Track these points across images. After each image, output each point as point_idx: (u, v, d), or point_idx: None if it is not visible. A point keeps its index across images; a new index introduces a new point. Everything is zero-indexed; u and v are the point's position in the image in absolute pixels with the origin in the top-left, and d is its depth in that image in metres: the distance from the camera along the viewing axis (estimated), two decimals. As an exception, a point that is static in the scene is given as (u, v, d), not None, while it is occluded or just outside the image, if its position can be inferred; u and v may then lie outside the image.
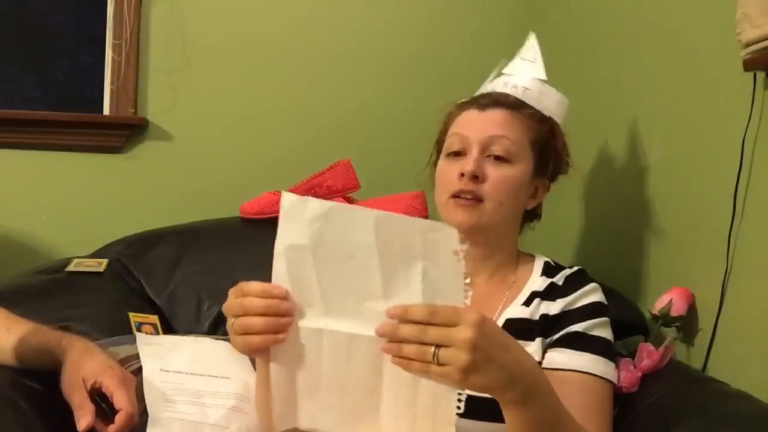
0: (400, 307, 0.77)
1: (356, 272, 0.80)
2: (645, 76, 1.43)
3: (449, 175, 1.12)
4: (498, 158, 1.11)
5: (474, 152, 1.11)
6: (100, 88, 1.97)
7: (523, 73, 1.22)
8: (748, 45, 1.02)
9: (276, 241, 0.82)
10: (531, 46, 1.27)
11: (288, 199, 0.81)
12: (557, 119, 1.21)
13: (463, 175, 1.09)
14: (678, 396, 1.07)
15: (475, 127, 1.13)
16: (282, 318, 0.83)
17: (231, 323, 0.85)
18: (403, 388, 0.81)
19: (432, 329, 0.75)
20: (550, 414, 0.85)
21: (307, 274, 0.81)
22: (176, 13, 1.95)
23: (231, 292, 0.87)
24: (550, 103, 1.20)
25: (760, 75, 1.06)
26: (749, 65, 1.04)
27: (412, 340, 0.76)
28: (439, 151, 1.21)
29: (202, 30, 1.97)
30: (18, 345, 1.14)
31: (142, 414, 1.13)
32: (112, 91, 1.95)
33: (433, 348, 0.75)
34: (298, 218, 0.80)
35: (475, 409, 0.95)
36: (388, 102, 2.01)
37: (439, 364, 0.75)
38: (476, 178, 1.09)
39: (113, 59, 1.94)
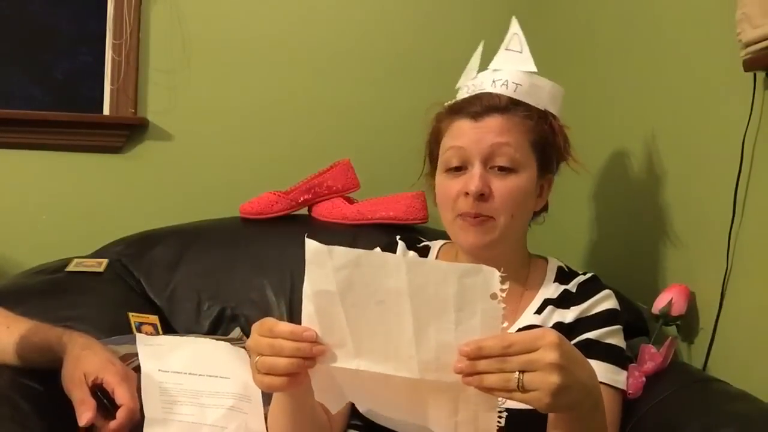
0: (473, 345, 0.74)
1: (387, 318, 0.78)
2: (645, 76, 1.43)
3: (452, 192, 1.07)
4: (502, 169, 1.06)
5: (476, 167, 1.05)
6: (100, 88, 1.97)
7: (511, 67, 1.13)
8: (748, 45, 1.02)
9: (304, 284, 0.81)
10: (514, 34, 1.17)
11: (311, 247, 0.79)
12: (553, 110, 1.13)
13: (467, 194, 1.05)
14: (680, 397, 1.07)
15: (473, 138, 1.06)
16: (308, 360, 0.82)
17: (255, 361, 0.83)
18: (444, 408, 0.81)
19: (513, 357, 0.73)
20: (604, 423, 0.86)
21: (337, 317, 0.80)
22: (176, 13, 1.95)
23: (255, 329, 0.85)
24: (544, 95, 1.12)
25: (760, 75, 1.06)
26: (749, 65, 1.04)
27: (492, 371, 0.73)
28: (433, 160, 1.15)
29: (202, 30, 1.97)
30: (19, 342, 1.14)
31: (142, 411, 1.13)
32: (112, 91, 1.95)
33: (516, 375, 0.72)
34: (323, 265, 0.78)
35: (514, 423, 0.94)
36: (388, 102, 2.00)
37: (524, 390, 0.72)
38: (482, 196, 1.04)
39: (113, 59, 1.94)
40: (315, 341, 0.81)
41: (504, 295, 0.73)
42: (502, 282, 0.72)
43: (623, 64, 1.53)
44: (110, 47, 1.95)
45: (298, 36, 2.00)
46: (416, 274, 0.75)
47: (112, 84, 1.95)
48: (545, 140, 1.11)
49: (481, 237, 1.06)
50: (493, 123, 1.07)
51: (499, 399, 0.77)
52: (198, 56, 1.96)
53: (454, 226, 1.08)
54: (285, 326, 0.82)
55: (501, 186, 1.05)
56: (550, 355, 0.72)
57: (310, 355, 0.81)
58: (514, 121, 1.07)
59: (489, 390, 0.74)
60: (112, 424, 1.06)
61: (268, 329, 0.83)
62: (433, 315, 0.76)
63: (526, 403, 0.74)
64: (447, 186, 1.09)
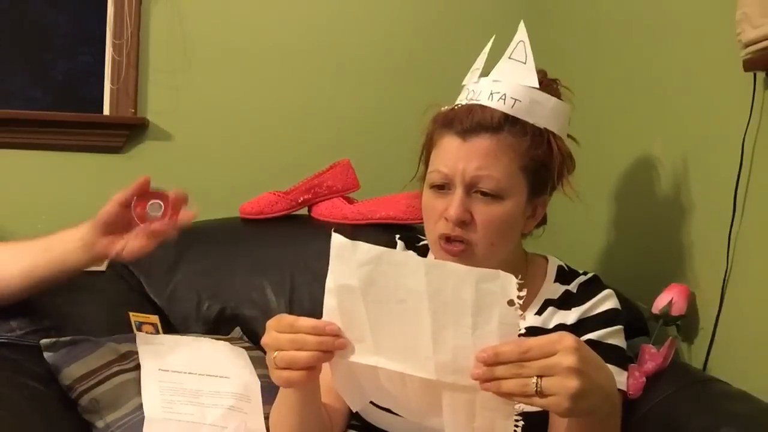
0: (490, 351, 0.74)
1: (406, 317, 0.79)
2: (645, 76, 1.43)
3: (435, 211, 1.05)
4: (485, 194, 1.01)
5: (458, 192, 1.02)
6: (100, 88, 1.97)
7: (512, 79, 1.05)
8: (748, 45, 1.02)
9: (327, 278, 0.82)
10: (520, 41, 1.08)
11: (337, 241, 0.80)
12: (555, 129, 1.06)
13: (447, 219, 1.02)
14: (680, 397, 1.07)
15: (458, 164, 1.01)
16: (327, 354, 0.82)
17: (273, 356, 0.83)
18: (461, 412, 0.81)
19: (531, 362, 0.72)
20: (618, 427, 0.86)
21: (358, 313, 0.81)
22: (176, 13, 1.95)
23: (272, 326, 0.85)
24: (545, 112, 1.05)
25: (760, 75, 1.06)
26: (749, 65, 1.04)
27: (510, 377, 0.73)
28: (427, 163, 1.12)
29: (202, 30, 1.97)
30: (28, 245, 1.22)
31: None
32: (112, 91, 1.95)
33: (534, 380, 0.72)
34: (348, 260, 0.80)
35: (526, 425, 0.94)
36: (388, 102, 2.00)
37: (543, 395, 0.72)
38: (463, 222, 1.01)
39: (113, 59, 1.94)
40: (337, 335, 0.82)
41: (521, 302, 0.73)
42: (520, 289, 0.72)
43: (623, 65, 1.53)
44: (110, 47, 1.95)
45: (298, 36, 2.00)
46: (434, 276, 0.76)
47: (112, 84, 1.94)
48: (539, 163, 1.05)
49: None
50: (481, 145, 1.02)
51: (516, 404, 0.77)
52: (198, 56, 1.96)
53: (435, 246, 1.07)
54: (306, 321, 0.83)
55: (483, 212, 1.02)
56: (568, 360, 0.71)
57: (332, 349, 0.82)
58: (504, 143, 1.02)
59: (507, 395, 0.74)
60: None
61: (288, 325, 0.83)
62: (451, 318, 0.76)
63: (545, 408, 0.74)
64: (431, 204, 1.06)
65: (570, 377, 0.71)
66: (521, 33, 1.09)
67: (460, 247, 1.03)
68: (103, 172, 1.96)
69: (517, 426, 0.77)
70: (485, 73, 1.10)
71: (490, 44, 1.15)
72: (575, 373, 0.71)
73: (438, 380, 0.79)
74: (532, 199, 1.07)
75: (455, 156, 1.03)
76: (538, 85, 1.06)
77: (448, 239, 1.03)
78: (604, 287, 1.10)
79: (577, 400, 0.72)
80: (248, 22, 1.99)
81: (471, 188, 1.02)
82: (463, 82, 1.15)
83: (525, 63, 1.07)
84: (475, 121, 1.03)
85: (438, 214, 1.04)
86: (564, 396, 0.71)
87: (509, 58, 1.08)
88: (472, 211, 1.02)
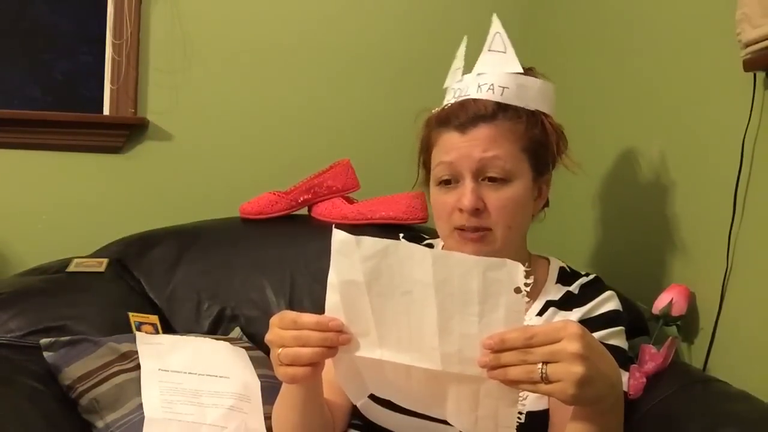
0: (496, 338, 0.74)
1: (412, 308, 0.79)
2: (645, 76, 1.43)
3: (446, 206, 1.06)
4: (494, 180, 1.03)
5: (467, 182, 1.03)
6: (100, 88, 1.97)
7: (496, 69, 1.08)
8: (748, 45, 1.03)
9: (329, 274, 0.82)
10: (497, 33, 1.12)
11: (339, 237, 0.81)
12: (545, 109, 1.09)
13: (461, 210, 1.03)
14: (680, 397, 1.07)
15: (461, 152, 1.04)
16: (331, 349, 0.83)
17: (278, 353, 0.84)
18: (465, 401, 0.82)
19: (536, 348, 0.73)
20: (622, 420, 0.86)
21: (362, 307, 0.81)
22: (176, 13, 1.95)
23: (275, 322, 0.86)
24: (533, 94, 1.08)
25: (760, 75, 1.06)
26: (749, 65, 1.04)
27: (516, 363, 0.74)
28: (427, 169, 1.13)
29: (202, 30, 1.97)
30: None
31: None
32: (112, 91, 1.95)
33: (539, 366, 0.73)
34: (351, 255, 0.80)
35: (531, 424, 0.93)
36: (388, 102, 2.00)
37: (548, 381, 0.73)
38: (477, 210, 1.02)
39: (113, 59, 1.94)
40: (341, 330, 0.82)
41: (528, 289, 0.74)
42: (526, 276, 0.73)
43: (623, 64, 1.53)
44: (110, 47, 1.95)
45: (298, 36, 2.00)
46: (441, 267, 0.76)
47: (112, 84, 1.95)
48: (537, 143, 1.07)
49: (479, 250, 1.03)
50: (481, 134, 1.04)
51: (520, 395, 0.78)
52: (198, 56, 1.97)
53: (450, 239, 1.07)
54: (310, 317, 0.83)
55: (495, 198, 1.03)
56: (572, 346, 0.72)
57: (336, 345, 0.82)
58: (502, 129, 1.04)
59: (513, 383, 0.75)
60: None
61: (292, 321, 0.84)
62: (457, 307, 0.77)
63: (551, 395, 0.74)
64: (441, 200, 1.07)
65: (575, 363, 0.72)
66: (496, 25, 1.13)
67: (478, 234, 1.04)
68: (103, 172, 1.96)
69: (520, 414, 0.78)
70: (466, 71, 1.13)
71: (464, 45, 1.18)
72: (580, 359, 0.72)
73: (443, 371, 0.79)
74: (537, 179, 1.09)
75: (458, 147, 1.05)
76: (522, 70, 1.09)
77: (465, 230, 1.04)
78: (606, 288, 1.10)
79: (583, 386, 0.72)
80: (248, 22, 1.99)
81: (479, 175, 1.04)
82: (445, 85, 1.17)
83: (505, 52, 1.11)
84: (470, 114, 1.05)
85: (449, 208, 1.05)
86: (569, 382, 0.72)
87: (489, 50, 1.12)
88: (484, 198, 1.03)
